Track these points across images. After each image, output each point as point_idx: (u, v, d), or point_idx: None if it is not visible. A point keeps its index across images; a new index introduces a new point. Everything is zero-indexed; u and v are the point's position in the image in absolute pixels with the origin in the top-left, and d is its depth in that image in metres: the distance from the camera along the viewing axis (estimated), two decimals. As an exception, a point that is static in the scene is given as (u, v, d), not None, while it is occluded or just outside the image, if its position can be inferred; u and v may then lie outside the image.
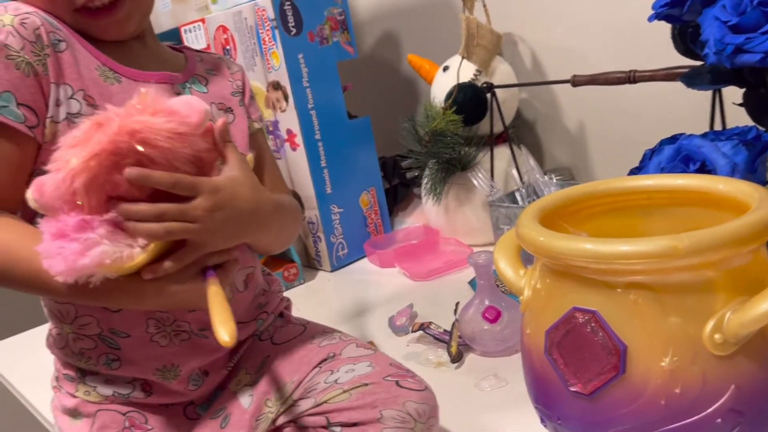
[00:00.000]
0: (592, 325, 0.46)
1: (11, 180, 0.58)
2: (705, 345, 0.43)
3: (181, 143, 0.52)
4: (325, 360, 0.66)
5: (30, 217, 0.61)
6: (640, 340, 0.44)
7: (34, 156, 0.60)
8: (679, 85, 0.79)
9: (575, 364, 0.47)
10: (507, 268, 0.56)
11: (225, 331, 0.49)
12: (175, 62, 0.72)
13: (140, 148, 0.49)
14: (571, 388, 0.47)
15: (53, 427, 0.67)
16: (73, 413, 0.64)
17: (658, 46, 0.85)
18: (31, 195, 0.50)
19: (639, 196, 0.58)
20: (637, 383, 0.44)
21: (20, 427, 1.28)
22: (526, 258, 0.56)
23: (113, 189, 0.50)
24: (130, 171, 0.49)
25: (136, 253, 0.51)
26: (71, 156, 0.49)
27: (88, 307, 0.62)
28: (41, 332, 0.68)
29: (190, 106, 0.53)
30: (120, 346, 0.63)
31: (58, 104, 0.59)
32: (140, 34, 0.68)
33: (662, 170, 0.72)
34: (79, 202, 0.49)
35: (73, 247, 0.49)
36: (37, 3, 0.62)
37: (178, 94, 0.67)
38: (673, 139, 0.74)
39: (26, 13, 0.59)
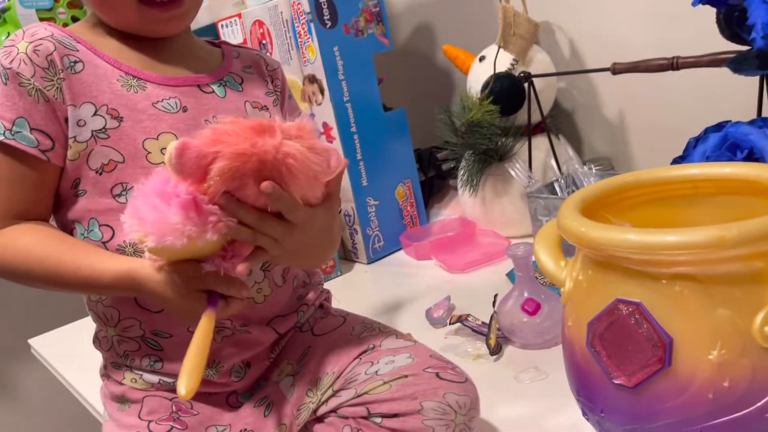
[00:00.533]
0: (636, 317, 0.45)
1: (35, 198, 0.61)
2: (755, 337, 0.42)
3: (313, 183, 0.55)
4: (365, 351, 0.67)
5: (61, 226, 0.63)
6: (686, 332, 0.44)
7: (55, 175, 0.62)
8: (723, 72, 0.77)
9: (618, 356, 0.46)
10: (548, 259, 0.55)
11: (185, 385, 0.50)
12: (209, 59, 0.71)
13: (283, 172, 0.52)
14: (615, 381, 0.47)
15: (102, 415, 0.69)
16: (121, 399, 0.66)
17: (701, 31, 0.83)
18: (171, 149, 0.50)
19: (684, 185, 0.57)
20: (683, 376, 0.44)
21: (70, 415, 1.32)
22: (566, 249, 0.55)
23: (236, 188, 0.52)
24: (268, 185, 0.52)
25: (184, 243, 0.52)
26: (226, 140, 0.51)
27: (131, 310, 0.63)
28: (88, 323, 0.70)
29: (332, 156, 0.56)
30: (162, 347, 0.64)
31: (79, 124, 0.61)
32: None
33: (707, 159, 0.70)
34: (207, 184, 0.51)
35: (168, 221, 0.50)
36: (97, 2, 0.63)
37: (211, 92, 0.68)
38: (719, 126, 0.73)
39: (40, 39, 0.60)
